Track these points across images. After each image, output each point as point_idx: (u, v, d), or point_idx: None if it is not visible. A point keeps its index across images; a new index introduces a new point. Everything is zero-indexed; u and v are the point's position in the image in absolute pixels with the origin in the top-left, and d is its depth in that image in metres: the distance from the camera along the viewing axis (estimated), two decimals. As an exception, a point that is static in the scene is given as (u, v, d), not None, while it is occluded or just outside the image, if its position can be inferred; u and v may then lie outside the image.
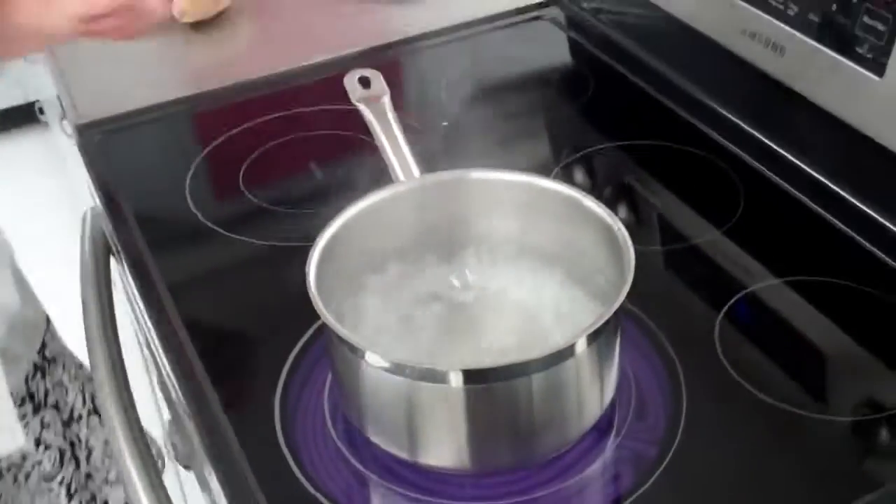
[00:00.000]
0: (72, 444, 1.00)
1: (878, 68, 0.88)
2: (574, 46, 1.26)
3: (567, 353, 0.66)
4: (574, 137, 1.09)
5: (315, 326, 0.81)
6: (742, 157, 1.01)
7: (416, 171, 0.81)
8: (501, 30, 1.28)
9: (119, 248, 0.95)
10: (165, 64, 1.25)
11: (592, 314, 0.69)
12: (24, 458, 0.95)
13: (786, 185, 0.97)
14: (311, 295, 0.68)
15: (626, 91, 1.15)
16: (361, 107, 0.87)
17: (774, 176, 0.98)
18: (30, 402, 0.95)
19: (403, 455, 0.70)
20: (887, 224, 0.89)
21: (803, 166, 0.97)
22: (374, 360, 0.66)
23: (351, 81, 0.90)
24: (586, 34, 1.25)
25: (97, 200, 1.04)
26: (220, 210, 0.99)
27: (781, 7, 0.96)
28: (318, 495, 0.70)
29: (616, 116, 1.12)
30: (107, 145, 1.09)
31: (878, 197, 0.90)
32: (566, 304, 0.76)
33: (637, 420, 0.74)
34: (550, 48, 1.27)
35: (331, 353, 0.72)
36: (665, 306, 0.83)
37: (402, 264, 0.79)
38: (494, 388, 0.66)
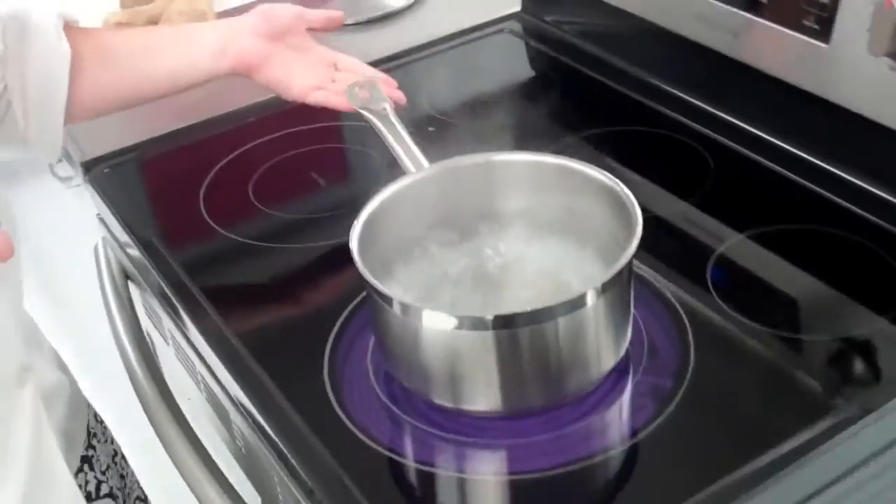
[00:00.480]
0: None
1: (825, 37, 0.98)
2: (536, 52, 1.36)
3: (584, 299, 0.74)
4: (549, 131, 1.18)
5: (352, 306, 0.90)
6: (707, 133, 1.11)
7: (425, 162, 0.89)
8: (469, 44, 1.38)
9: (149, 270, 1.01)
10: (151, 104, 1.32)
11: (601, 272, 0.77)
12: None
13: (753, 155, 1.07)
14: (356, 262, 0.76)
15: (592, 88, 1.25)
16: (366, 114, 0.96)
17: (741, 147, 1.08)
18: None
19: (443, 402, 0.78)
20: (842, 174, 1.00)
21: (765, 136, 1.07)
22: (414, 313, 0.75)
23: (352, 92, 0.99)
24: (545, 41, 1.35)
25: (111, 230, 1.11)
26: (237, 223, 1.06)
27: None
28: (366, 439, 0.78)
29: (585, 111, 1.21)
30: (114, 178, 1.16)
31: (834, 151, 1.01)
32: (582, 266, 0.84)
33: (651, 359, 0.83)
34: (515, 56, 1.37)
35: (373, 315, 0.80)
36: (663, 264, 0.92)
37: (430, 241, 0.87)
38: (522, 332, 0.74)
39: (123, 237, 1.07)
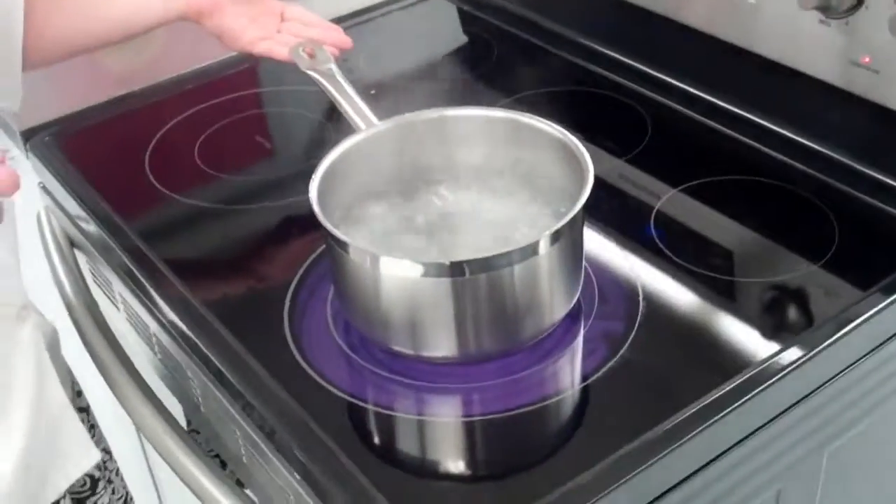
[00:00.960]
0: None
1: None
2: (469, 16, 1.37)
3: (537, 247, 0.77)
4: (486, 94, 1.20)
5: (309, 261, 0.92)
6: (641, 91, 1.14)
7: (374, 119, 0.91)
8: (404, 9, 1.40)
9: (100, 236, 1.02)
10: (90, 69, 1.31)
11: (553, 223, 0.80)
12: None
13: (687, 111, 1.10)
14: (315, 211, 0.78)
15: (525, 50, 1.27)
16: (312, 73, 0.98)
17: (675, 104, 1.11)
18: None
19: (401, 348, 0.81)
20: (771, 126, 1.04)
21: (697, 91, 1.11)
22: (372, 260, 0.77)
23: (297, 53, 1.00)
24: (478, 5, 1.36)
25: (56, 198, 1.11)
26: (186, 187, 1.07)
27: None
28: (327, 385, 0.81)
29: (519, 73, 1.24)
30: (56, 147, 1.15)
31: (763, 103, 1.05)
32: (535, 217, 0.86)
33: (602, 306, 0.86)
34: (449, 20, 1.39)
35: (332, 264, 0.82)
36: (607, 219, 0.95)
37: (385, 194, 0.89)
38: (478, 279, 0.76)
39: (70, 205, 1.07)
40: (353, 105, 0.93)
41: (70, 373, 1.02)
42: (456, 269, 0.75)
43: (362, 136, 0.88)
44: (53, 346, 0.97)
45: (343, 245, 0.78)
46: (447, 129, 0.89)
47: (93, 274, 1.10)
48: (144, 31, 1.01)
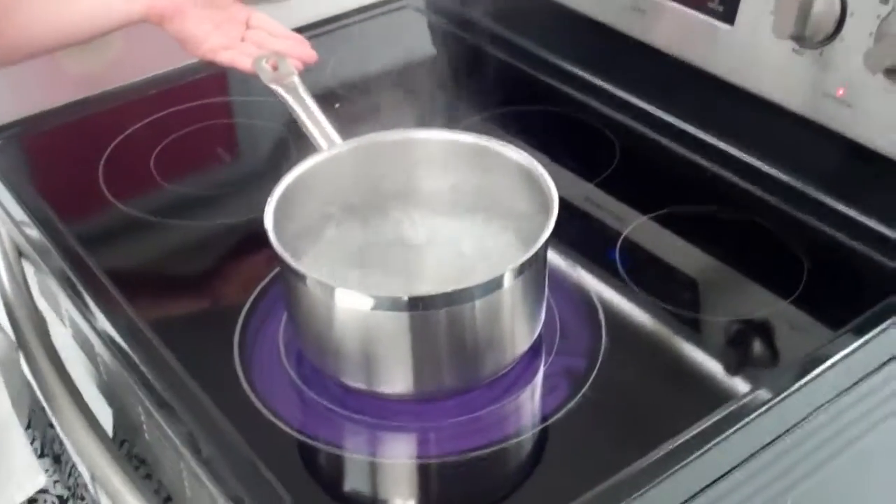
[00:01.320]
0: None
1: (729, 18, 0.99)
2: (439, 30, 1.35)
3: (501, 280, 0.74)
4: (453, 110, 1.17)
5: (262, 284, 0.89)
6: (611, 114, 1.12)
7: (336, 138, 0.88)
8: (372, 20, 1.37)
9: (47, 249, 0.98)
10: (48, 72, 1.27)
11: (518, 253, 0.77)
12: None
13: (657, 136, 1.08)
14: (270, 238, 0.75)
15: (496, 67, 1.24)
16: (274, 87, 0.95)
17: (645, 129, 1.09)
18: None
19: (355, 384, 0.77)
20: (744, 156, 1.03)
21: (668, 117, 1.09)
22: (328, 291, 0.73)
23: (260, 65, 0.97)
24: (449, 18, 1.34)
25: (3, 206, 1.07)
26: (140, 200, 1.03)
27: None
28: (277, 422, 0.77)
29: (488, 90, 1.20)
30: (5, 154, 1.12)
31: (736, 132, 1.03)
32: (497, 245, 0.84)
33: (563, 340, 0.83)
34: (418, 33, 1.36)
35: (286, 294, 0.79)
36: (571, 246, 0.92)
37: (343, 218, 0.86)
38: (438, 314, 0.73)
39: (18, 214, 1.03)
40: (314, 122, 0.90)
41: (30, 388, 0.98)
42: (415, 304, 0.72)
43: (322, 157, 0.85)
44: (8, 361, 0.93)
45: (298, 275, 0.74)
46: (410, 151, 0.87)
47: (40, 287, 1.07)
48: (106, 32, 0.97)
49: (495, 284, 0.74)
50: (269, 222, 0.76)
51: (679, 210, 0.98)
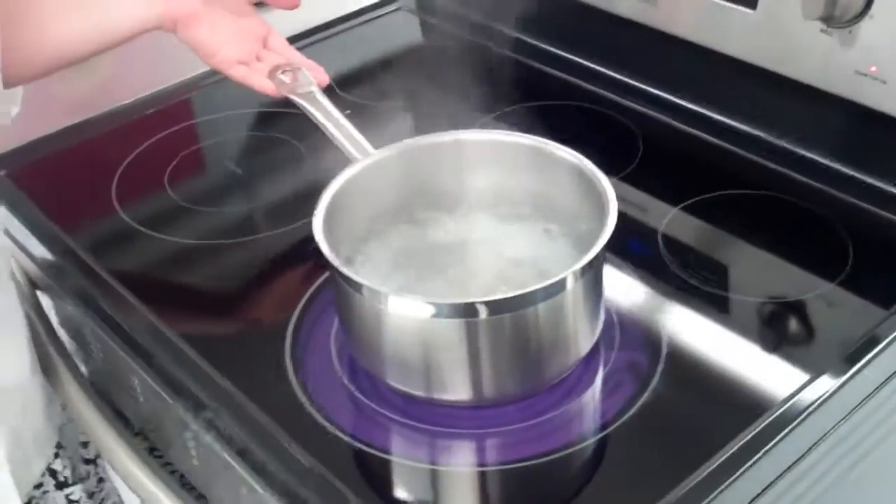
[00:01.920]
0: None
1: (751, 3, 0.98)
2: (439, 31, 1.32)
3: (564, 284, 0.72)
4: (465, 110, 1.14)
5: (307, 296, 0.87)
6: (633, 106, 1.10)
7: (366, 144, 0.85)
8: (369, 23, 1.34)
9: (72, 279, 0.95)
10: (40, 98, 1.24)
11: (571, 255, 0.75)
12: None
13: (684, 126, 1.07)
14: (322, 248, 0.73)
15: (502, 63, 1.21)
16: (296, 99, 0.92)
17: (670, 119, 1.08)
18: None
19: (419, 392, 0.75)
20: (775, 140, 1.02)
21: (694, 106, 1.07)
22: (387, 300, 0.72)
23: (278, 77, 0.94)
24: (448, 18, 1.31)
25: (17, 240, 1.03)
26: (160, 222, 1.00)
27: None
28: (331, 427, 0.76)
29: (498, 88, 1.18)
30: (14, 183, 1.08)
31: (764, 116, 1.02)
32: (546, 249, 0.82)
33: (623, 336, 0.81)
34: (419, 36, 1.34)
35: (340, 304, 0.77)
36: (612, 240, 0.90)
37: (388, 225, 0.84)
38: (501, 319, 0.71)
39: (35, 247, 0.99)
40: (342, 131, 0.88)
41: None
42: (476, 310, 0.70)
43: (367, 163, 0.83)
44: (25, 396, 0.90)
45: (354, 285, 0.72)
46: (456, 153, 0.85)
47: (59, 319, 1.03)
48: (123, 40, 0.93)
49: (558, 287, 0.72)
50: (318, 233, 0.74)
51: (709, 197, 0.96)
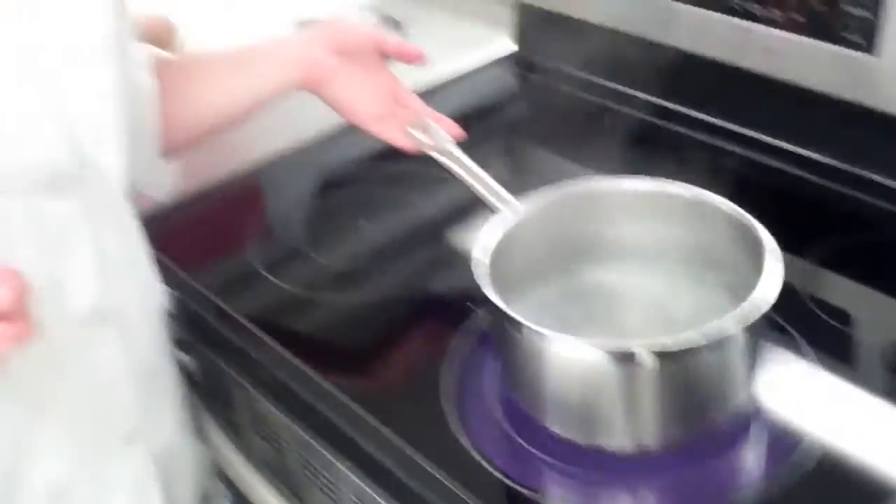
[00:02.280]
0: None
1: (870, 48, 0.99)
2: (545, 89, 1.34)
3: (734, 337, 0.73)
4: (585, 160, 1.16)
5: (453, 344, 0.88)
6: (752, 157, 1.12)
7: (509, 196, 0.87)
8: (470, 84, 1.37)
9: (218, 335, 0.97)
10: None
11: (721, 307, 0.76)
12: None
13: (808, 175, 1.08)
14: (485, 291, 0.75)
15: (617, 120, 1.22)
16: (435, 154, 0.94)
17: (793, 168, 1.10)
18: None
19: (582, 439, 0.76)
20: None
21: (814, 154, 1.09)
22: (556, 343, 0.73)
23: (414, 135, 0.96)
24: (551, 76, 1.33)
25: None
26: (299, 279, 1.02)
27: (769, 14, 1.06)
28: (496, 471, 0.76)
29: (612, 142, 1.19)
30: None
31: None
32: (698, 299, 0.83)
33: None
34: (524, 95, 1.36)
35: (503, 349, 0.79)
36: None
37: (545, 273, 0.86)
38: (670, 365, 0.72)
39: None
40: (482, 184, 0.90)
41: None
42: (651, 355, 0.71)
43: (525, 213, 0.85)
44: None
45: (518, 327, 0.74)
46: (608, 202, 0.86)
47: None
48: (265, 105, 0.97)
49: (725, 336, 0.72)
50: (483, 279, 0.76)
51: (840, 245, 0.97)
